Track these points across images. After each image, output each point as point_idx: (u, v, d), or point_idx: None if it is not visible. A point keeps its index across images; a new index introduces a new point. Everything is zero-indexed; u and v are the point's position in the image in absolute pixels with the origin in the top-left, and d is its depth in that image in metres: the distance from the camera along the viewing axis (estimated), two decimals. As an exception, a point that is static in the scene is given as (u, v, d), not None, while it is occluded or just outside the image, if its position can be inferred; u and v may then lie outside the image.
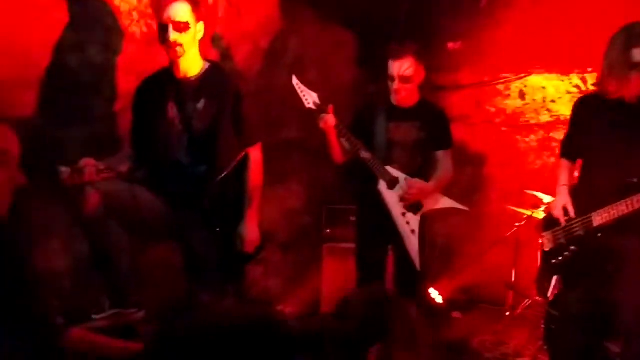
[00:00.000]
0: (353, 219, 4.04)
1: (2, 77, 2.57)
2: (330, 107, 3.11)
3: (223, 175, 2.59)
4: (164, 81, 2.62)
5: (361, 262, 3.27)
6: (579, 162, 2.91)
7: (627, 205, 2.52)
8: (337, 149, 3.18)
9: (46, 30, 2.84)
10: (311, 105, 3.12)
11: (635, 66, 2.53)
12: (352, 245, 3.70)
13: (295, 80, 3.15)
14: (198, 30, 2.56)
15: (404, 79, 3.11)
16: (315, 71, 4.47)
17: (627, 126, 2.65)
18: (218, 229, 2.59)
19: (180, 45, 2.49)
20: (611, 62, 2.63)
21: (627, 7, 3.52)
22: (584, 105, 2.85)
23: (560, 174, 2.93)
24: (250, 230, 2.68)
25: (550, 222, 2.89)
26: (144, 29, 3.16)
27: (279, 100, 4.11)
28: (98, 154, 2.54)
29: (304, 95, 3.13)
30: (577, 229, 2.71)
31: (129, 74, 3.13)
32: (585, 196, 2.76)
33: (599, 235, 2.63)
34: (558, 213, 2.79)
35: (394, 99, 3.21)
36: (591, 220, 2.64)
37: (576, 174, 2.97)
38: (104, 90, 3.09)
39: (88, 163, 2.39)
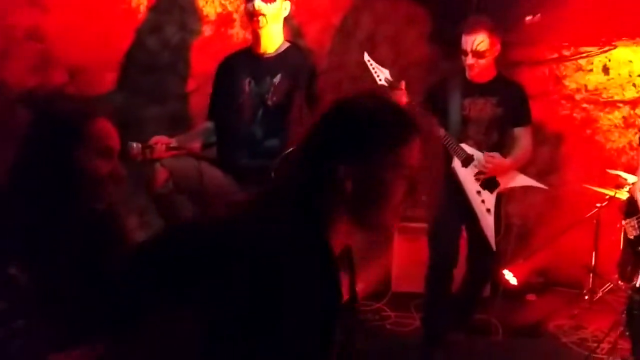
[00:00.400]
0: (424, 198, 4.00)
1: (87, 60, 2.70)
2: (402, 84, 3.07)
3: (291, 150, 2.62)
4: (244, 58, 2.73)
5: (433, 242, 3.22)
6: None
7: None
8: None
9: (126, 14, 2.94)
10: (383, 82, 3.11)
11: None
12: (423, 225, 3.66)
13: (367, 57, 3.15)
14: (284, 7, 2.61)
15: (477, 54, 3.04)
16: (386, 47, 4.42)
17: None
18: None
19: (264, 15, 2.55)
20: None
21: None
22: None
23: None
24: None
25: (632, 207, 2.79)
26: (218, 10, 3.22)
27: (350, 78, 4.09)
28: (171, 131, 2.62)
29: (376, 72, 3.12)
30: None
31: (202, 54, 3.20)
32: None
33: None
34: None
35: (469, 75, 3.14)
36: None
37: None
38: (179, 70, 3.18)
39: (158, 140, 2.49)
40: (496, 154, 3.09)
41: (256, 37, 2.65)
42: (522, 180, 3.21)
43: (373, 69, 3.13)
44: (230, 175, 2.65)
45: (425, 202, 1.30)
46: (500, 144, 3.16)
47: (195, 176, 2.54)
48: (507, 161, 3.10)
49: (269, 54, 2.67)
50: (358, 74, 4.08)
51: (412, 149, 1.17)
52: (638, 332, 2.87)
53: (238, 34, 3.22)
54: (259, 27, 2.59)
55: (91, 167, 1.44)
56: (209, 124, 2.80)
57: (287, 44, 2.73)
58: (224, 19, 3.21)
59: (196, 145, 2.71)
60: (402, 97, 3.04)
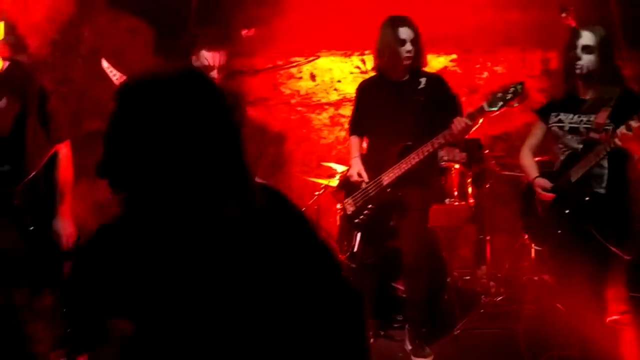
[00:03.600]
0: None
1: None
2: None
3: (33, 173, 2.57)
4: None
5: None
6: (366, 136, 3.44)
7: (406, 163, 3.10)
8: None
9: None
10: None
11: (402, 43, 3.11)
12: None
13: (105, 64, 3.23)
14: None
15: (222, 68, 3.17)
16: (112, 61, 4.43)
17: (399, 100, 3.21)
18: (32, 228, 2.57)
19: None
20: (383, 45, 3.19)
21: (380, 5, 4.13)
22: (364, 88, 3.41)
23: (352, 148, 3.45)
24: (65, 226, 2.70)
25: (348, 189, 3.37)
26: None
27: (78, 92, 4.03)
28: None
29: (115, 76, 3.21)
30: (371, 190, 3.23)
31: None
32: (373, 163, 3.28)
33: (388, 190, 3.16)
34: (354, 180, 3.28)
35: None
36: (381, 181, 3.17)
37: (364, 144, 3.49)
38: None
39: None
40: None
41: None
42: None
43: (112, 74, 3.21)
44: None
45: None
46: None
47: None
48: None
49: None
50: (86, 87, 4.06)
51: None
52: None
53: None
54: None
55: None
56: None
57: (7, 62, 2.61)
58: None
59: None
60: None
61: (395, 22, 3.19)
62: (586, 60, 2.69)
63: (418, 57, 3.21)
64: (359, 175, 3.27)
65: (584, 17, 3.63)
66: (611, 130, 2.63)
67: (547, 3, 4.21)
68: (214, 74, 3.23)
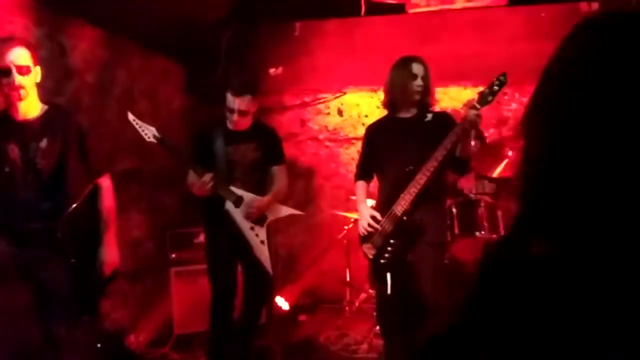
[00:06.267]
0: (198, 240, 4.22)
1: None
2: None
3: (74, 206, 2.66)
4: (4, 124, 2.63)
5: (214, 279, 3.45)
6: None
7: (414, 187, 3.01)
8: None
9: None
10: (152, 139, 3.22)
11: (414, 77, 3.13)
12: (199, 266, 3.86)
13: (131, 117, 3.23)
14: (37, 73, 2.62)
15: (243, 113, 3.35)
16: (145, 101, 4.58)
17: (405, 135, 3.18)
18: (73, 260, 2.64)
19: (23, 87, 2.55)
20: (394, 79, 3.20)
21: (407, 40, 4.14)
22: (371, 130, 3.39)
23: (358, 194, 3.39)
24: (109, 253, 2.80)
25: (365, 235, 3.23)
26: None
27: (111, 133, 4.14)
28: None
29: (143, 130, 3.22)
30: (387, 226, 3.13)
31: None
32: (384, 200, 3.20)
33: (405, 219, 3.07)
34: (369, 224, 3.19)
35: (230, 125, 3.44)
36: (394, 212, 3.09)
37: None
38: None
39: None
40: (256, 199, 3.39)
41: (14, 107, 2.61)
42: (285, 211, 3.60)
43: (140, 127, 3.22)
44: (4, 241, 2.56)
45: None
46: (262, 181, 3.52)
47: None
48: (266, 199, 3.45)
49: (30, 118, 2.65)
50: (120, 129, 4.18)
51: None
52: (386, 330, 3.42)
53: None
54: (21, 100, 2.57)
55: None
56: None
57: (46, 107, 2.72)
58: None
59: None
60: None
61: (408, 58, 3.22)
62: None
63: (427, 94, 3.21)
64: (373, 218, 3.19)
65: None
66: None
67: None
68: (234, 117, 3.37)
